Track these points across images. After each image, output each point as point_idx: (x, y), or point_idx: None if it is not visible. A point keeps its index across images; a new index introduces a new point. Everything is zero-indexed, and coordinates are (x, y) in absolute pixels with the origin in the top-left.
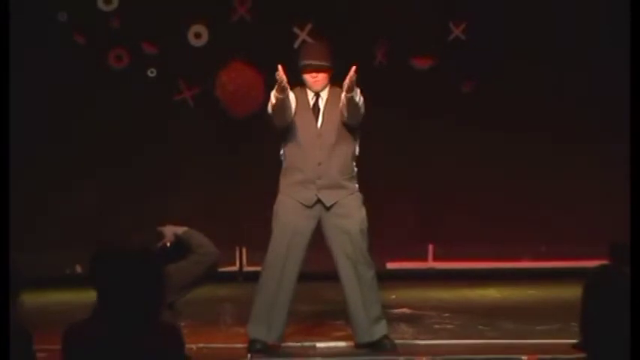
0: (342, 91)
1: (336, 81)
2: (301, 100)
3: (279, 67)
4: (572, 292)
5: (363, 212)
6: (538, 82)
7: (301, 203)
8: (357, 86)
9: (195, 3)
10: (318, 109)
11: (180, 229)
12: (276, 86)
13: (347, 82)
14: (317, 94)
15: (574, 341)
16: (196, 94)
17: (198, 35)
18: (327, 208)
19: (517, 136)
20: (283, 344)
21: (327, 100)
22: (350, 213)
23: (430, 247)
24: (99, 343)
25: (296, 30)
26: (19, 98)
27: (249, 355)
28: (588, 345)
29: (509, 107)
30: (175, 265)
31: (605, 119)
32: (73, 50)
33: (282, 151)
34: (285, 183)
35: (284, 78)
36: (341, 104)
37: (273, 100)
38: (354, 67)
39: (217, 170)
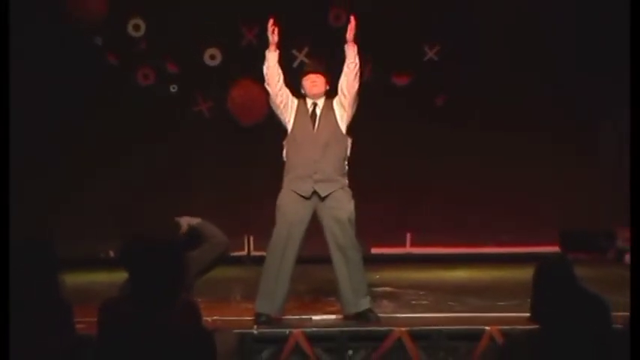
0: (336, 96)
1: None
2: (301, 108)
3: (271, 19)
4: (527, 274)
5: (352, 205)
6: (501, 93)
7: (300, 195)
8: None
9: (210, 30)
10: (315, 115)
11: (195, 220)
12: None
13: (350, 31)
14: (314, 103)
15: (529, 314)
16: (211, 107)
17: (212, 57)
18: (322, 199)
19: (484, 141)
20: (284, 317)
21: (323, 108)
22: (341, 205)
23: (408, 235)
24: (129, 317)
25: (295, 52)
26: (61, 107)
27: (255, 326)
28: (539, 318)
29: (476, 116)
30: (191, 253)
31: (567, 122)
32: (107, 69)
33: (284, 152)
34: (286, 179)
35: (273, 28)
36: (342, 77)
37: (265, 64)
38: (352, 17)
39: (228, 169)
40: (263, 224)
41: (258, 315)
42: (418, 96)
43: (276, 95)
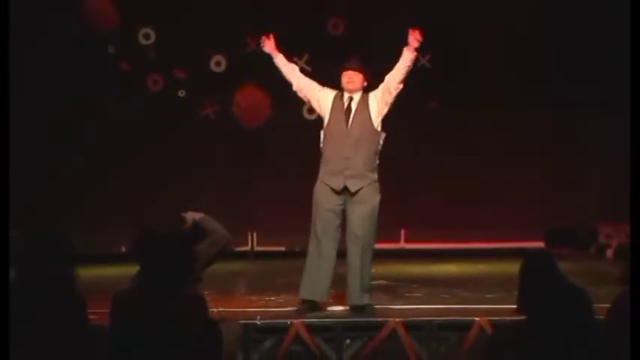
0: (372, 94)
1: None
2: (337, 103)
3: (264, 37)
4: (514, 268)
5: (377, 199)
6: (489, 98)
7: (332, 188)
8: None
9: (216, 38)
10: (350, 111)
11: (198, 215)
12: None
13: (416, 40)
14: (350, 98)
15: (516, 306)
16: (216, 110)
17: (218, 63)
18: (352, 194)
19: (474, 142)
20: (286, 308)
21: (359, 103)
22: (367, 199)
23: (402, 232)
24: (140, 308)
25: (295, 59)
26: (76, 112)
27: (258, 317)
28: (525, 309)
29: (467, 118)
30: (196, 247)
31: (551, 124)
32: (120, 76)
33: (321, 145)
34: (322, 171)
35: (265, 43)
36: (391, 75)
37: (280, 72)
38: (418, 31)
39: (233, 169)
40: (265, 221)
41: (302, 301)
42: (412, 99)
43: (300, 90)
